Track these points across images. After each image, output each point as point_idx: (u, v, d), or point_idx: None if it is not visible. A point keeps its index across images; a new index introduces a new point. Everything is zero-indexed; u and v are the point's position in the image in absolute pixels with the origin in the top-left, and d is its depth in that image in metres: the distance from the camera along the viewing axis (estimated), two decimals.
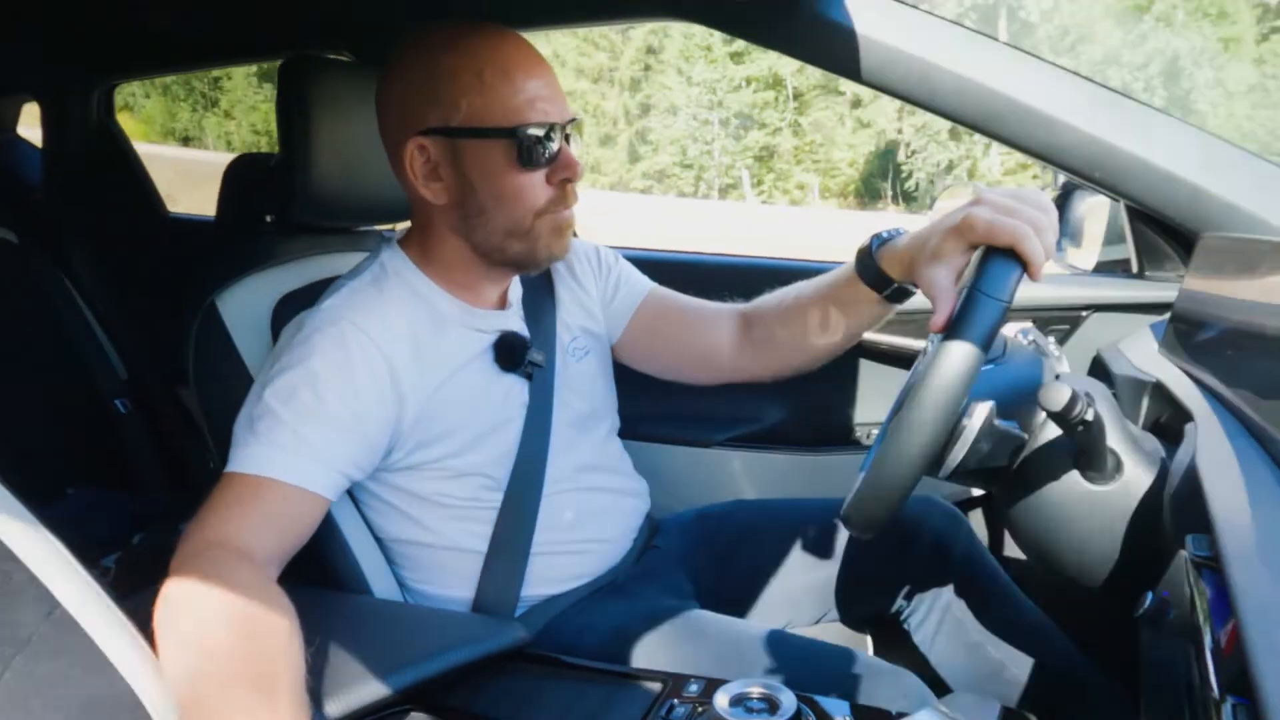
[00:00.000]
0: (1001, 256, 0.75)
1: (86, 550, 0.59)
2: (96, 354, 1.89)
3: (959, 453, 0.75)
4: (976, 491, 1.45)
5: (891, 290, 0.92)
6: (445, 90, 0.86)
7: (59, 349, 1.84)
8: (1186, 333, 0.97)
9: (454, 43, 0.86)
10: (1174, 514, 0.71)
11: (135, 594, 0.66)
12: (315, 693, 0.66)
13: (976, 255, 0.79)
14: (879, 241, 0.93)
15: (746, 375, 1.09)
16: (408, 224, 1.01)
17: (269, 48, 1.85)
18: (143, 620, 0.63)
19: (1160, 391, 0.92)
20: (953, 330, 0.71)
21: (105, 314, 1.93)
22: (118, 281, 2.02)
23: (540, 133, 0.86)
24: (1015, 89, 1.05)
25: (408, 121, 0.88)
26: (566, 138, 0.89)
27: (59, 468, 1.77)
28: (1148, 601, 0.63)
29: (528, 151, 0.86)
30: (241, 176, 1.81)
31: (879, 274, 0.91)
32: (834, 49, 1.07)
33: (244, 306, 0.98)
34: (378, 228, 1.18)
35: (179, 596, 0.68)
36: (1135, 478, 0.80)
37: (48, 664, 0.53)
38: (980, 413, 0.75)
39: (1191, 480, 0.64)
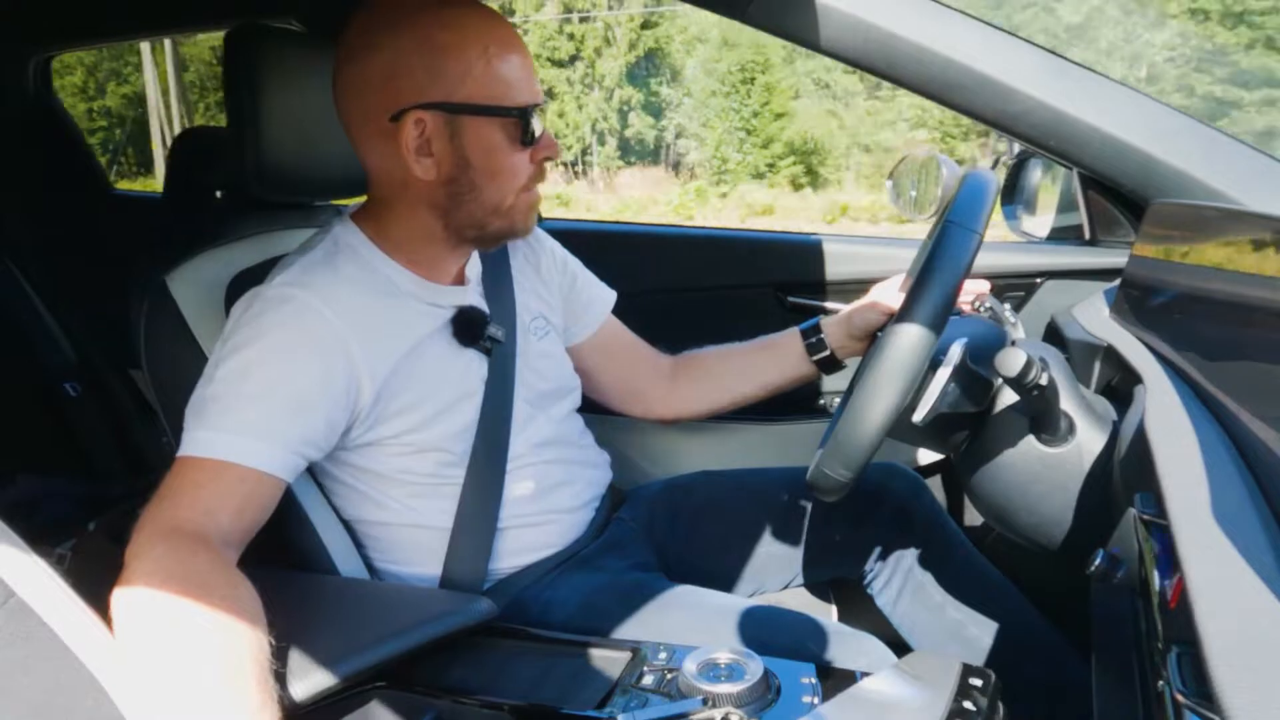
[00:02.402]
0: (972, 189, 0.77)
1: (41, 537, 0.58)
2: (43, 336, 1.84)
3: (934, 391, 0.76)
4: (936, 456, 1.49)
5: (823, 358, 1.11)
6: (448, 65, 0.84)
7: (3, 332, 1.79)
8: (1136, 298, 0.99)
9: (448, 19, 0.85)
10: (1124, 474, 0.73)
11: (93, 580, 0.64)
12: (284, 674, 0.66)
13: (951, 190, 0.81)
14: (816, 318, 1.13)
15: (661, 414, 1.21)
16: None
17: (214, 16, 1.79)
18: (101, 606, 0.61)
19: (1112, 355, 0.94)
20: (930, 261, 0.73)
21: (51, 295, 1.87)
22: (63, 261, 1.96)
23: (534, 112, 0.88)
24: (971, 57, 1.06)
25: (400, 95, 0.85)
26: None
27: (9, 454, 1.73)
28: (1099, 559, 0.65)
29: (523, 131, 0.88)
30: (189, 151, 1.75)
31: (820, 341, 1.11)
32: (792, 17, 1.07)
33: (197, 285, 0.96)
34: (334, 203, 1.15)
35: (135, 585, 0.67)
36: (1088, 440, 0.82)
37: (4, 654, 0.52)
38: (954, 353, 0.77)
39: (1140, 441, 0.66)
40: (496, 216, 0.91)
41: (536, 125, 0.88)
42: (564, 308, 1.13)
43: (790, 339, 1.13)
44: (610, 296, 1.19)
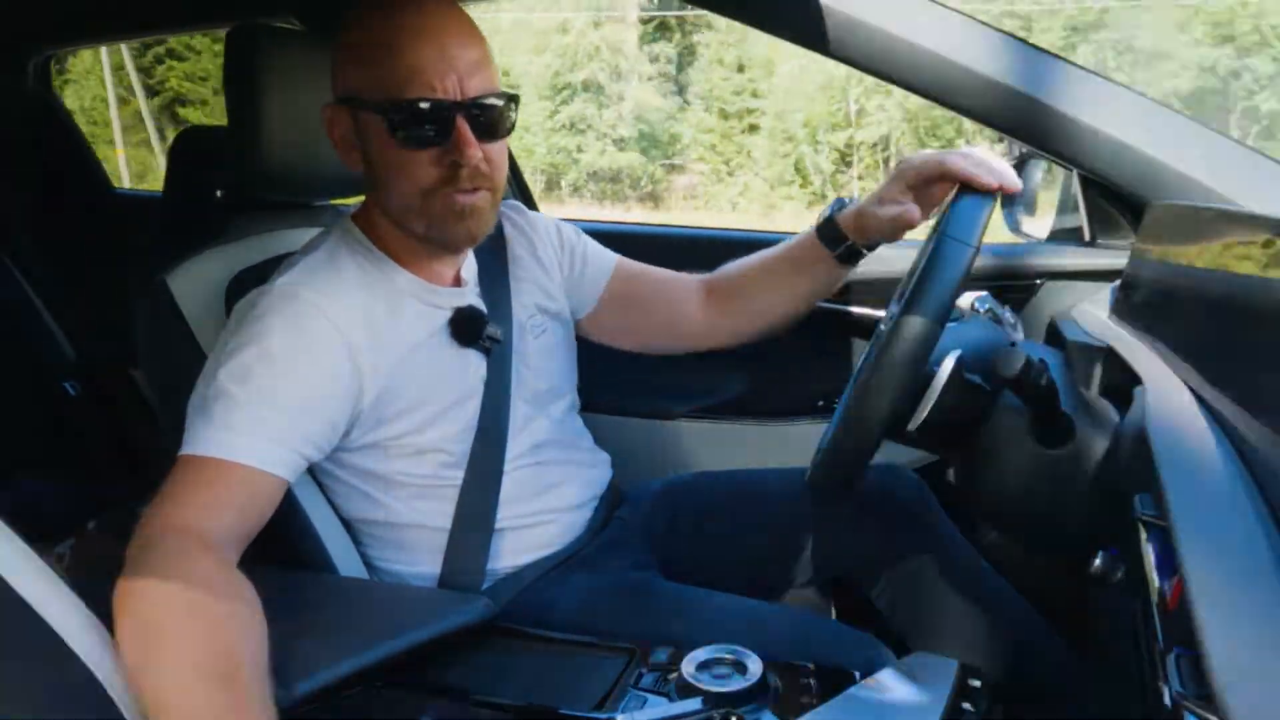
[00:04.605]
0: (967, 201, 0.77)
1: (41, 537, 0.58)
2: (43, 336, 1.84)
3: (927, 403, 0.77)
4: (936, 457, 1.48)
5: (843, 249, 1.03)
6: (346, 58, 0.87)
7: (2, 332, 1.79)
8: (1136, 299, 0.99)
9: (371, 10, 0.86)
10: (1124, 474, 0.73)
11: (93, 580, 0.64)
12: (283, 672, 0.66)
13: (944, 205, 0.81)
14: (839, 205, 1.04)
15: (711, 343, 1.15)
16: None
17: (214, 15, 1.79)
18: (101, 606, 0.62)
19: (1112, 357, 0.94)
20: (923, 276, 0.73)
21: (50, 294, 1.87)
22: (62, 260, 1.95)
23: (418, 110, 0.82)
24: (971, 59, 1.06)
25: (333, 88, 0.90)
26: (476, 117, 0.84)
27: (8, 453, 1.72)
28: (1098, 560, 0.65)
29: (400, 128, 0.83)
30: (190, 150, 1.75)
31: (836, 234, 1.03)
32: (792, 17, 1.07)
33: (197, 285, 0.96)
34: (334, 202, 1.15)
35: (136, 585, 0.67)
36: (1088, 441, 0.82)
37: (3, 654, 0.52)
38: (947, 364, 0.77)
39: (1140, 442, 0.66)
40: (412, 217, 0.88)
41: (427, 125, 0.82)
42: (567, 280, 1.12)
43: (813, 249, 1.06)
44: (611, 255, 1.16)
